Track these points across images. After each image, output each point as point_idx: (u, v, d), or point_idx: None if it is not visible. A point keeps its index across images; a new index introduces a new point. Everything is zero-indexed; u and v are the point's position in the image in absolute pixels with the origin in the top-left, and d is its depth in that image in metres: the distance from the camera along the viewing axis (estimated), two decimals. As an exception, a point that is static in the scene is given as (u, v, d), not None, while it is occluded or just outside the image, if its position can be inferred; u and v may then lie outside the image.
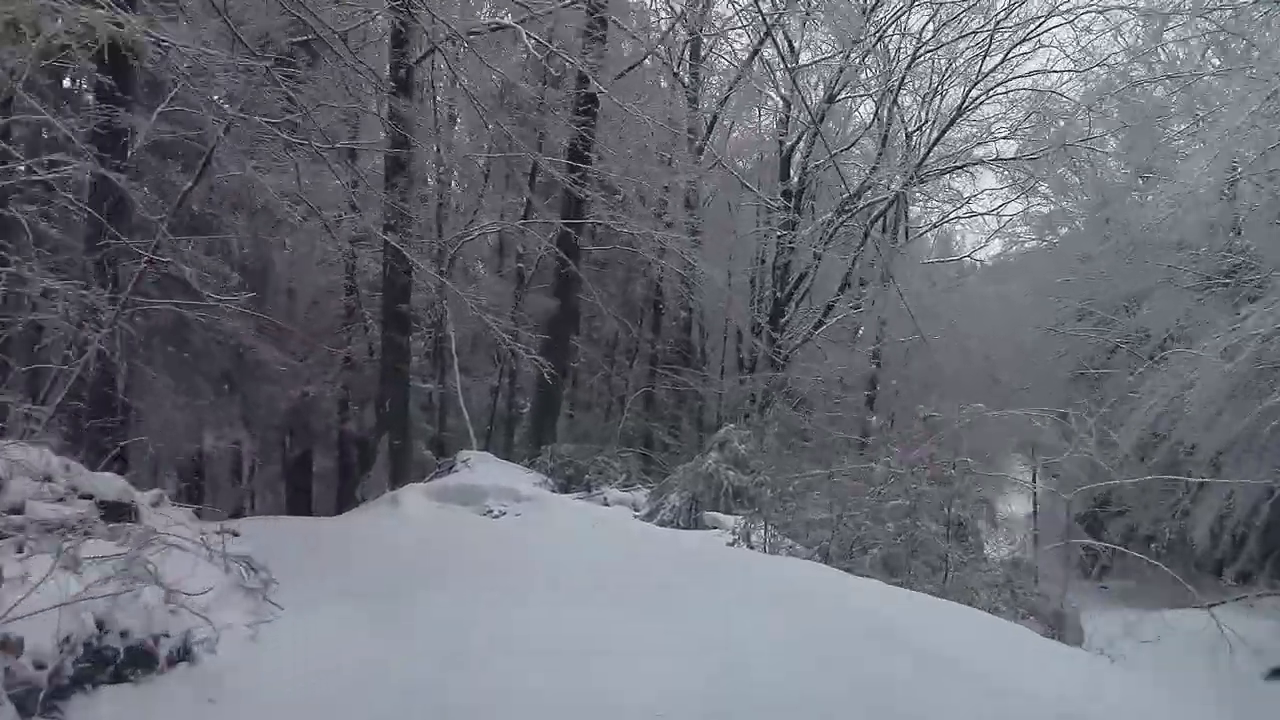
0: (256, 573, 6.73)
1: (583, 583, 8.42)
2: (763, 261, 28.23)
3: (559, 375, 18.41)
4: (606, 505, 15.09)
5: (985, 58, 26.20)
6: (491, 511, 14.23)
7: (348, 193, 16.97)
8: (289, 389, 21.48)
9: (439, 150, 17.92)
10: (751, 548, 11.86)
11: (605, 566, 9.25)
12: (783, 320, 27.65)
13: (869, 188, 29.09)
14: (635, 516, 14.55)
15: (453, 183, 20.36)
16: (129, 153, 14.11)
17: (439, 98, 19.38)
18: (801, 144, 28.87)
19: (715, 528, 13.49)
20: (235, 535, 7.59)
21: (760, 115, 31.94)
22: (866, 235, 28.66)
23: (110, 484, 6.85)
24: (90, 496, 6.51)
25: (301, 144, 14.08)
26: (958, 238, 38.58)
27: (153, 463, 25.78)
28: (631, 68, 20.78)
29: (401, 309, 15.86)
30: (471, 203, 21.73)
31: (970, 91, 27.27)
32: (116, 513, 6.62)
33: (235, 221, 17.49)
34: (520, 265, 20.03)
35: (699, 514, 14.16)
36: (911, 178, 28.07)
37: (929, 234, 36.89)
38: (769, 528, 12.52)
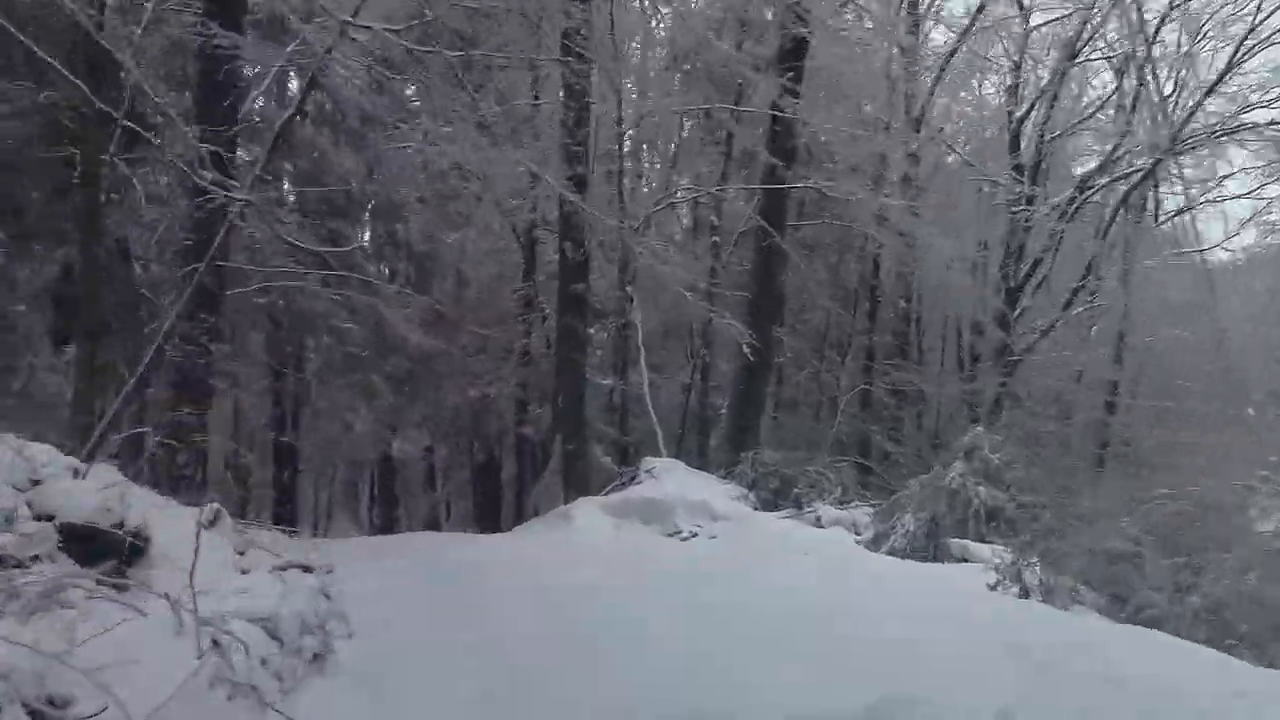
0: (284, 644, 4.36)
1: (805, 648, 5.74)
2: (984, 246, 24.60)
3: (762, 369, 15.75)
4: (820, 526, 12.31)
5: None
6: (680, 532, 11.75)
7: (524, 163, 15.02)
8: (468, 389, 19.83)
9: (621, 111, 15.61)
10: (1026, 594, 8.80)
11: (824, 618, 6.53)
12: (1015, 312, 23.93)
13: (1118, 158, 24.93)
14: (857, 542, 11.70)
15: (642, 153, 18.04)
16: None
17: (627, 54, 17.11)
18: (1034, 113, 25.14)
19: (965, 559, 10.47)
20: (307, 570, 5.35)
21: (980, 86, 28.22)
22: (1116, 214, 24.51)
23: (79, 501, 4.70)
24: (50, 518, 4.38)
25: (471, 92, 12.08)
26: (1199, 227, 33.23)
27: (331, 469, 24.88)
28: (844, 3, 17.88)
29: (578, 290, 13.61)
30: (661, 180, 19.38)
31: (1239, 51, 22.52)
32: (85, 541, 4.46)
33: (401, 201, 15.84)
34: (715, 239, 17.46)
35: (941, 540, 11.16)
36: (1169, 147, 23.62)
37: (1172, 221, 32.00)
38: (1040, 564, 9.40)
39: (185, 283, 9.16)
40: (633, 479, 13.55)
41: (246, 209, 9.25)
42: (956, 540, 10.78)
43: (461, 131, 16.14)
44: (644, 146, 17.50)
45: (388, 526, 36.29)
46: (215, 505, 6.30)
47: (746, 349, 14.47)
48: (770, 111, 14.93)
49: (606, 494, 13.32)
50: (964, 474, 11.40)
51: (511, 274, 19.10)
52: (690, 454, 16.87)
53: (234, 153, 10.64)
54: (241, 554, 6.56)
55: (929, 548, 11.24)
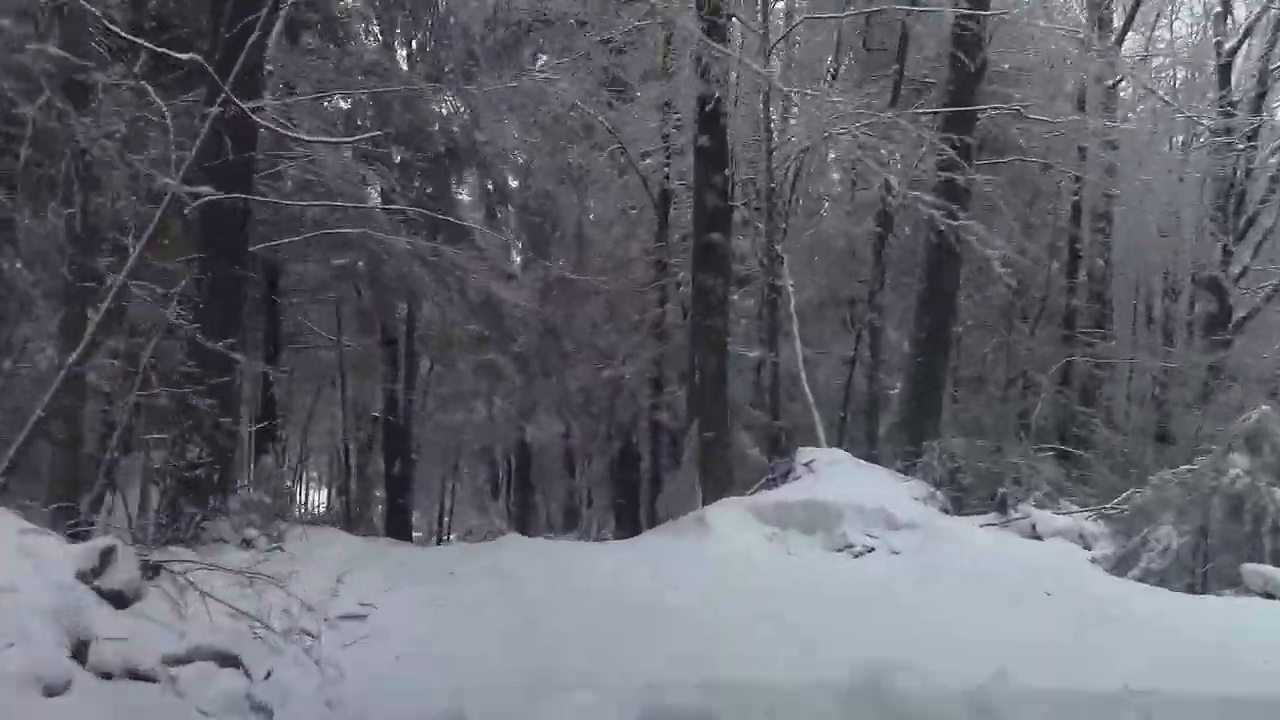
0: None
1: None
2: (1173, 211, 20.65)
3: (942, 337, 12.82)
4: (1037, 538, 9.40)
5: None
6: (851, 546, 9.08)
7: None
8: (600, 368, 17.53)
9: (767, 19, 12.87)
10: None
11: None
12: (1235, 273, 19.99)
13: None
14: (1093, 562, 8.77)
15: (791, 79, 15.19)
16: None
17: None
18: (1249, 44, 21.11)
19: (1271, 594, 7.43)
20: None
21: (1172, 24, 24.11)
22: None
23: None
24: None
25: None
26: None
27: (454, 457, 23.09)
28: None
29: (716, 241, 10.99)
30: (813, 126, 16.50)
31: None
32: None
33: (506, 151, 13.65)
34: (885, 197, 14.53)
35: (1216, 563, 8.13)
36: None
37: None
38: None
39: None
40: (787, 474, 10.91)
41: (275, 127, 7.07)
42: (1253, 566, 7.71)
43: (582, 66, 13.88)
44: (793, 79, 14.70)
45: (524, 516, 34.74)
46: (108, 543, 4.09)
47: (921, 326, 11.52)
48: (955, 10, 11.94)
49: (754, 493, 10.74)
50: (1250, 471, 8.27)
51: (642, 236, 16.62)
52: (854, 443, 14.07)
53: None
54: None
55: (1197, 573, 8.24)
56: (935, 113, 12.66)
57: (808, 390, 13.68)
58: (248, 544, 7.61)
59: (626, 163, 15.79)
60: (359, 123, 13.28)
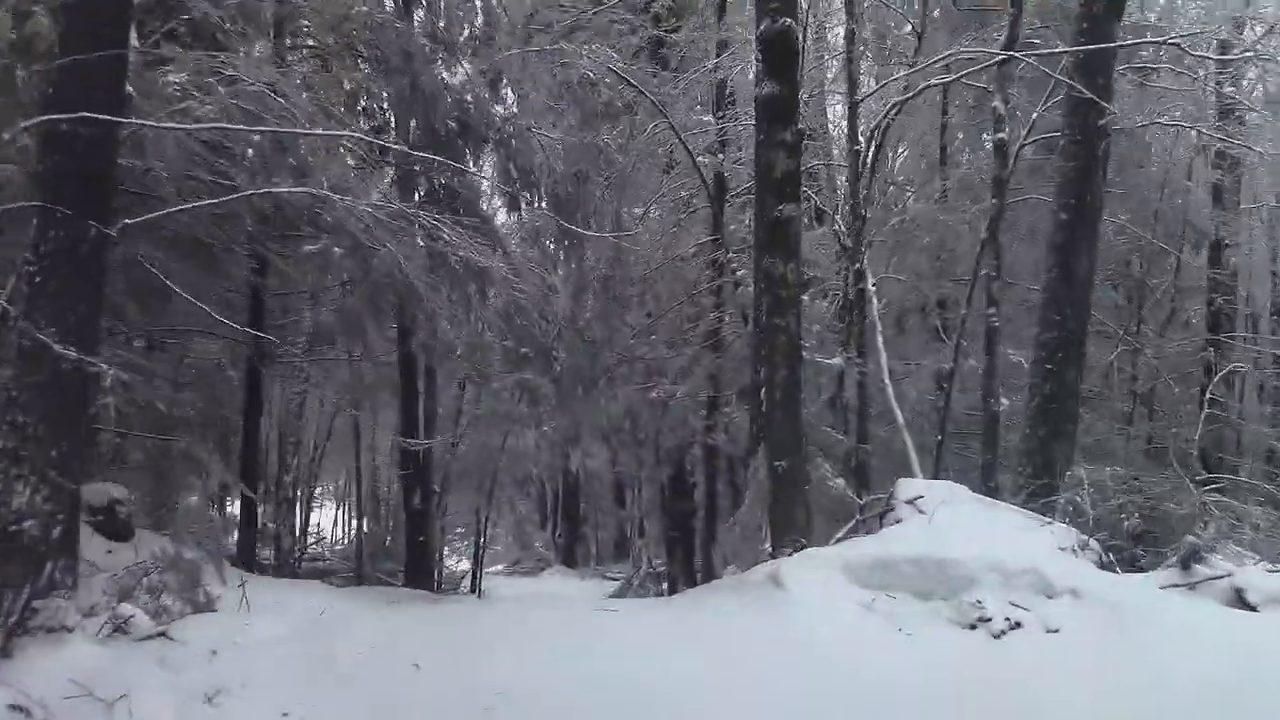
0: None
1: None
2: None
3: (1074, 342, 10.12)
4: (1250, 608, 6.71)
5: None
6: (988, 620, 6.49)
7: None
8: (647, 386, 15.09)
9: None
10: None
11: None
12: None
13: None
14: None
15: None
16: None
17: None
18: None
19: None
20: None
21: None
22: None
23: None
24: None
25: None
26: None
27: (488, 485, 20.68)
28: None
29: (784, 214, 8.39)
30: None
31: None
32: None
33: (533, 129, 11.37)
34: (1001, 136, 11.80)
35: None
36: None
37: None
38: None
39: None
40: (883, 516, 8.34)
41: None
42: None
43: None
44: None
45: (572, 548, 32.36)
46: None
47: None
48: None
49: (841, 541, 8.20)
50: None
51: (694, 230, 14.15)
52: (959, 473, 11.43)
53: None
54: None
55: None
56: (1070, 52, 10.03)
57: (897, 409, 11.11)
58: (120, 628, 5.29)
59: (674, 144, 13.40)
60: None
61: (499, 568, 30.72)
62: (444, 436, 18.53)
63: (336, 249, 8.97)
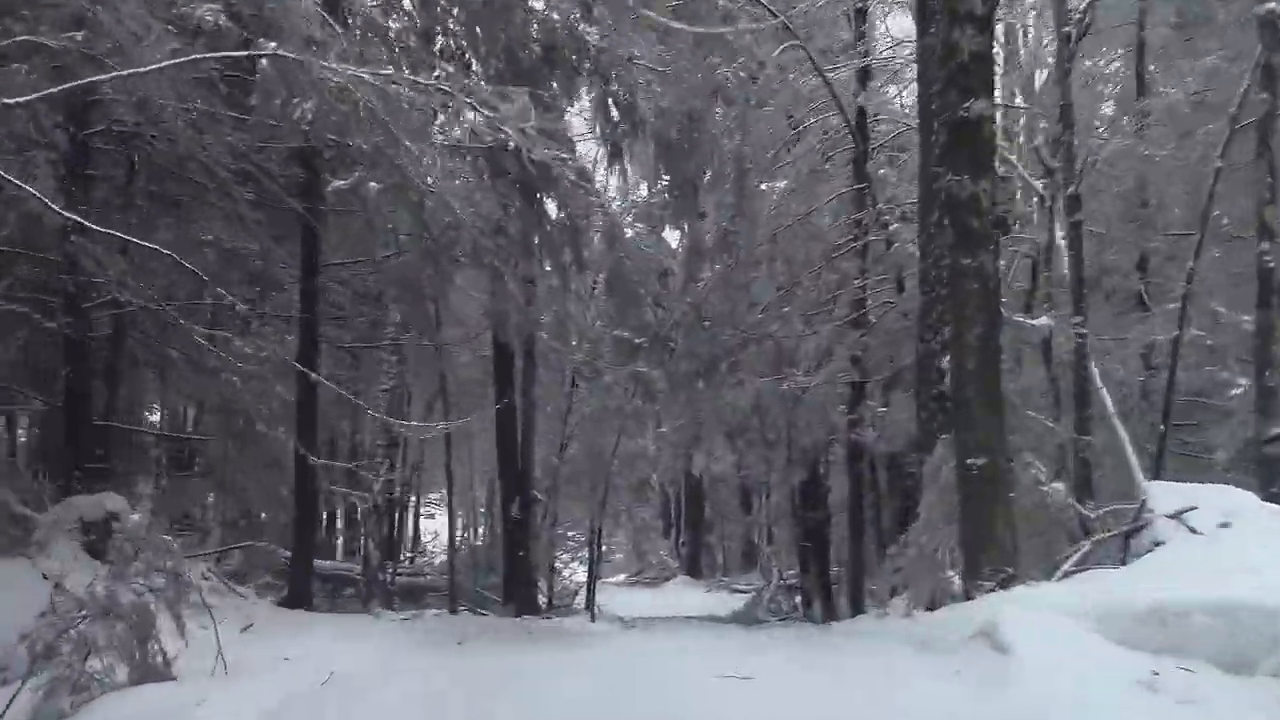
0: None
1: None
2: None
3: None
4: None
5: None
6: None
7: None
8: (778, 371, 12.76)
9: None
10: None
11: None
12: None
13: None
14: None
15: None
16: None
17: None
18: None
19: None
20: None
21: None
22: None
23: None
24: None
25: None
26: None
27: (601, 490, 18.53)
28: None
29: (972, 113, 5.89)
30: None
31: None
32: None
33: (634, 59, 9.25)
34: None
35: None
36: None
37: None
38: None
39: None
40: (1130, 535, 5.83)
41: None
42: None
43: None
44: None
45: (697, 557, 30.12)
46: None
47: None
48: None
49: (1071, 574, 5.72)
50: None
51: (834, 180, 11.68)
52: (1183, 469, 8.71)
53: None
54: None
55: None
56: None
57: (1106, 396, 8.46)
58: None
59: (807, 68, 10.98)
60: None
61: (619, 578, 28.77)
62: (552, 439, 16.60)
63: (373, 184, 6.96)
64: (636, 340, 15.67)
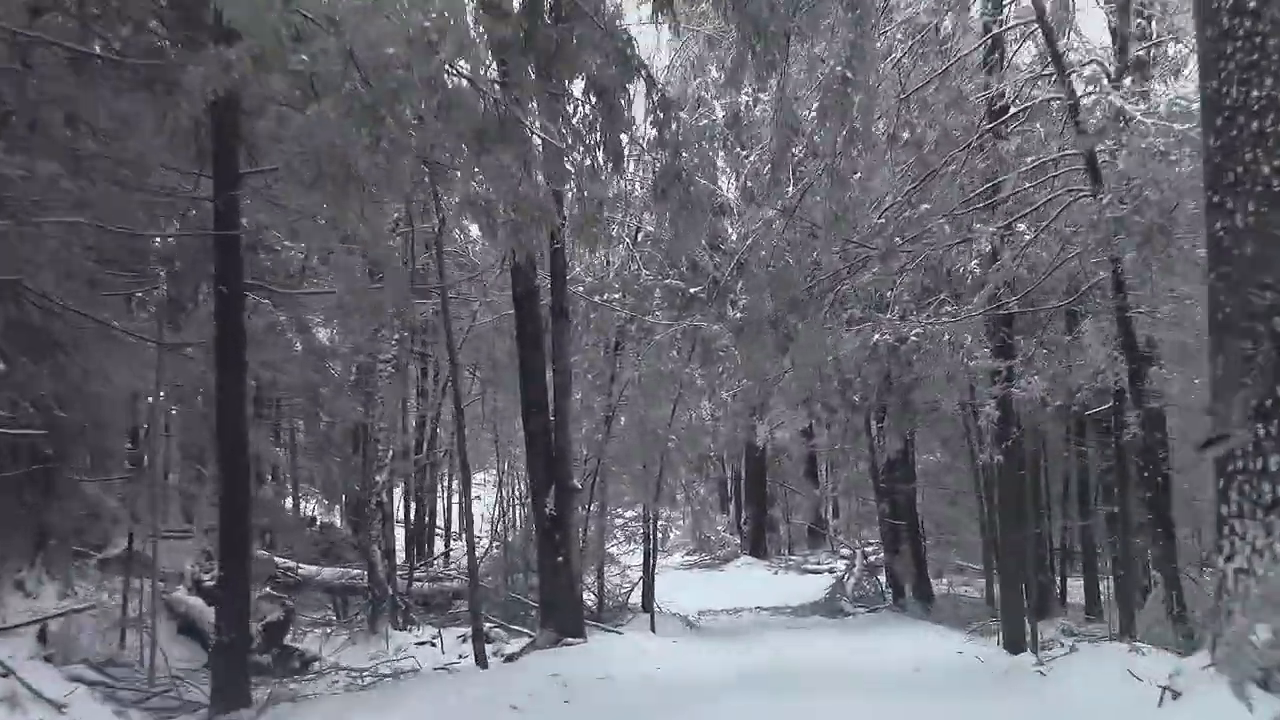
0: None
1: None
2: None
3: None
4: None
5: None
6: None
7: None
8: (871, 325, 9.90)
9: None
10: None
11: None
12: None
13: None
14: None
15: None
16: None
17: None
18: None
19: None
20: None
21: None
22: None
23: None
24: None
25: None
26: None
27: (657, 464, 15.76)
28: None
29: None
30: None
31: None
32: None
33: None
34: None
35: None
36: None
37: None
38: None
39: None
40: None
41: None
42: None
43: None
44: None
45: (760, 534, 27.42)
46: None
47: None
48: None
49: None
50: None
51: (950, 85, 8.61)
52: None
53: None
54: None
55: None
56: None
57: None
58: None
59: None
60: None
61: (677, 560, 26.22)
62: (596, 413, 13.97)
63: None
64: (691, 290, 12.89)
